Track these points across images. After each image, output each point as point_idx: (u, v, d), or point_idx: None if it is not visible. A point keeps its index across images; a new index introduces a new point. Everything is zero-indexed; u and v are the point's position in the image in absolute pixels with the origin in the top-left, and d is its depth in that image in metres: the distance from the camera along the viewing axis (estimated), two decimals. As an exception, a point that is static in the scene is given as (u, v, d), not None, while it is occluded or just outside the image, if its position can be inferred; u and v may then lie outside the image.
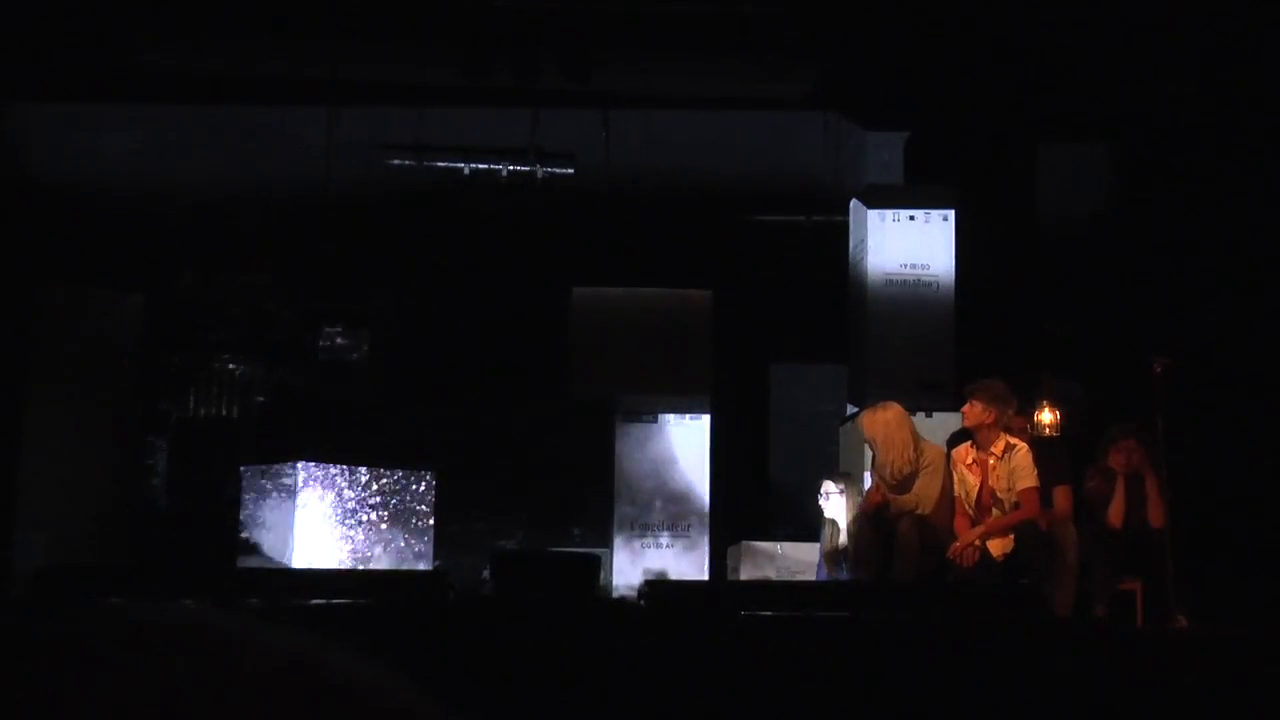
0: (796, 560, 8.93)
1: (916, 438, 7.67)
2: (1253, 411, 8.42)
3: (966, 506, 7.48)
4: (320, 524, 8.36)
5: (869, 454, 8.31)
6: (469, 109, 11.32)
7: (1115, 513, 7.71)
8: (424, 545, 8.60)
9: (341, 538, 8.39)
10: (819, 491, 8.31)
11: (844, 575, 7.91)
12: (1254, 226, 8.67)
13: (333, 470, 8.49)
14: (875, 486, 7.72)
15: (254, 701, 0.83)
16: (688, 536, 8.53)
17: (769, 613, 6.61)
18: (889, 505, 7.56)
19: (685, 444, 8.58)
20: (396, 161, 11.09)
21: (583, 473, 10.36)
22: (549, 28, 10.28)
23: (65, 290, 8.30)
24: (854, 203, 9.79)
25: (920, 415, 8.14)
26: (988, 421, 7.45)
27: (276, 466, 8.53)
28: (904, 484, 7.57)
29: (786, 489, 10.88)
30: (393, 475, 8.73)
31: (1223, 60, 8.79)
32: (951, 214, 9.34)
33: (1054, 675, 4.97)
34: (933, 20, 9.88)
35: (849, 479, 8.25)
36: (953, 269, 9.28)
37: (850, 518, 7.95)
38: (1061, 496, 7.61)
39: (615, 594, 8.07)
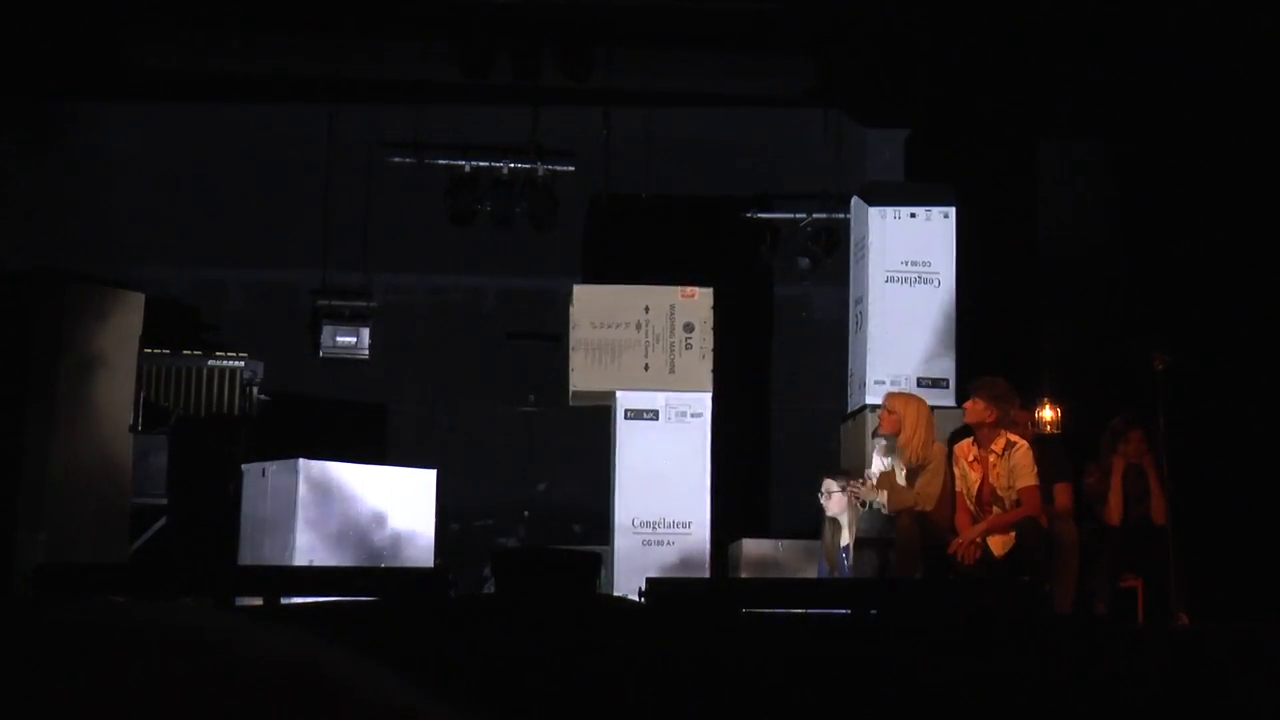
0: (797, 557, 8.93)
1: (934, 436, 7.73)
2: (1254, 408, 8.42)
3: (968, 502, 7.48)
4: (320, 522, 8.35)
5: (873, 441, 8.31)
6: (470, 106, 11.32)
7: (1113, 508, 7.70)
8: (424, 543, 8.59)
9: (341, 536, 8.38)
10: (820, 490, 8.30)
11: (845, 573, 7.91)
12: (1254, 221, 8.67)
13: (333, 468, 8.48)
14: (879, 478, 7.72)
15: (253, 701, 0.82)
16: (688, 534, 8.53)
17: (770, 610, 6.61)
18: (889, 502, 7.56)
19: (686, 441, 8.57)
20: (397, 159, 11.09)
21: (583, 470, 10.36)
22: (550, 25, 10.28)
23: (66, 288, 8.29)
24: (855, 200, 9.79)
25: (921, 412, 8.13)
26: (989, 420, 7.46)
27: (277, 465, 8.53)
28: (912, 474, 7.58)
29: (787, 486, 10.88)
30: (393, 473, 8.72)
31: (1223, 57, 8.78)
32: (952, 211, 9.34)
33: (1055, 673, 4.97)
34: (933, 17, 9.88)
35: (850, 477, 8.24)
36: (953, 266, 9.28)
37: (851, 515, 7.95)
38: (1062, 494, 7.62)
39: (616, 592, 8.07)
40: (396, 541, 8.52)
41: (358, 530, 8.43)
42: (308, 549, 8.25)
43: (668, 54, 10.97)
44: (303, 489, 8.31)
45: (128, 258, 10.47)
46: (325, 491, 8.40)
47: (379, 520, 8.51)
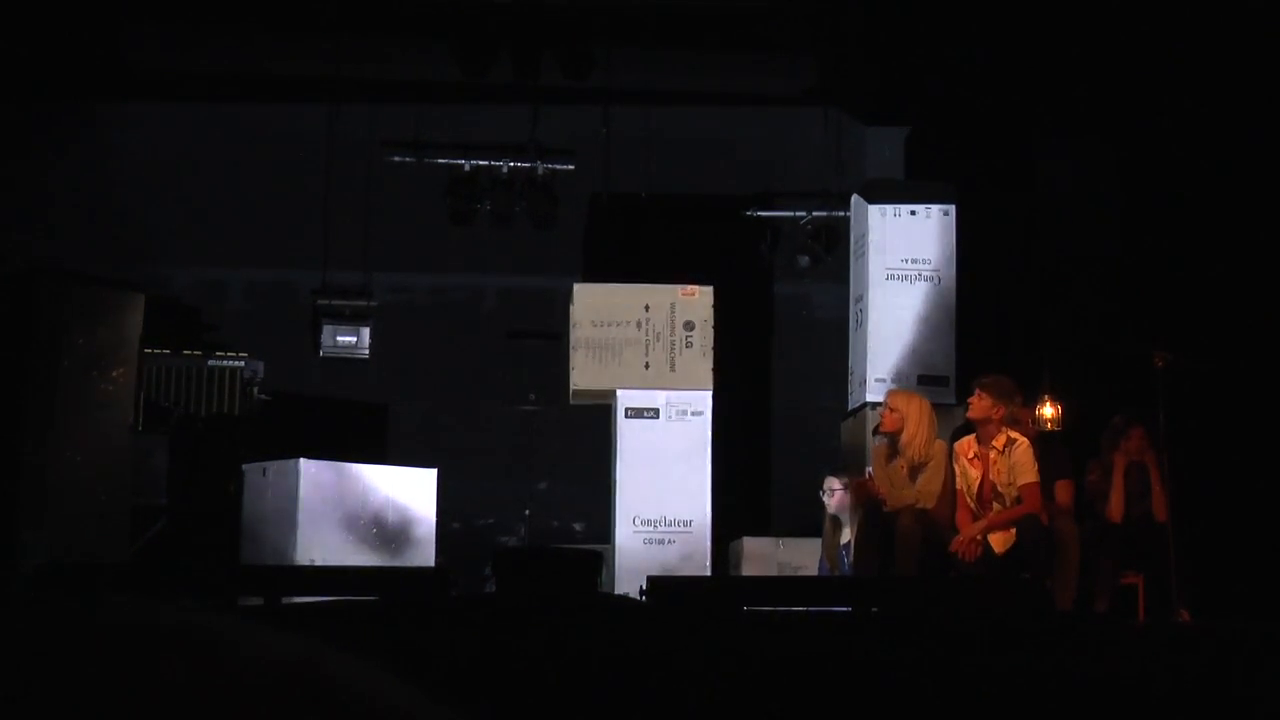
0: (798, 555, 8.93)
1: (935, 434, 7.73)
2: (1255, 405, 8.41)
3: (968, 499, 7.49)
4: (321, 522, 8.35)
5: (874, 439, 8.32)
6: (470, 105, 11.33)
7: (1115, 506, 7.70)
8: (425, 542, 8.59)
9: (342, 535, 8.39)
10: (822, 488, 8.31)
11: (846, 571, 7.91)
12: (1255, 219, 8.67)
13: (334, 468, 8.48)
14: (877, 479, 7.73)
15: (253, 702, 0.82)
16: (689, 532, 8.53)
17: (771, 608, 6.61)
18: (889, 499, 7.57)
19: (686, 440, 8.57)
20: (397, 158, 11.09)
21: (584, 469, 10.36)
22: (549, 24, 10.28)
23: (66, 288, 8.29)
24: (855, 198, 9.79)
25: (922, 410, 8.14)
26: (995, 417, 7.46)
27: (278, 464, 8.53)
28: (913, 472, 7.59)
29: (788, 485, 10.88)
30: (394, 472, 8.72)
31: (1223, 54, 8.78)
32: (952, 209, 9.34)
33: (1056, 671, 4.97)
34: (933, 15, 9.88)
35: (852, 475, 8.26)
36: (953, 263, 9.29)
37: (852, 513, 7.96)
38: (1063, 491, 7.62)
39: (617, 590, 8.07)
40: (397, 541, 8.52)
41: (358, 530, 8.44)
42: (308, 548, 8.25)
43: (668, 53, 10.97)
44: (303, 488, 8.31)
45: (128, 258, 10.47)
46: (326, 491, 8.40)
47: (380, 519, 8.52)
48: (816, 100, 11.25)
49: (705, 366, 8.65)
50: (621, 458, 8.60)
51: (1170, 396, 7.42)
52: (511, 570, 7.76)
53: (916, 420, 7.65)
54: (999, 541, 7.34)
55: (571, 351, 8.73)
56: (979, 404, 7.52)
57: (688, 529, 8.51)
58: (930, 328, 9.22)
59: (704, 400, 8.61)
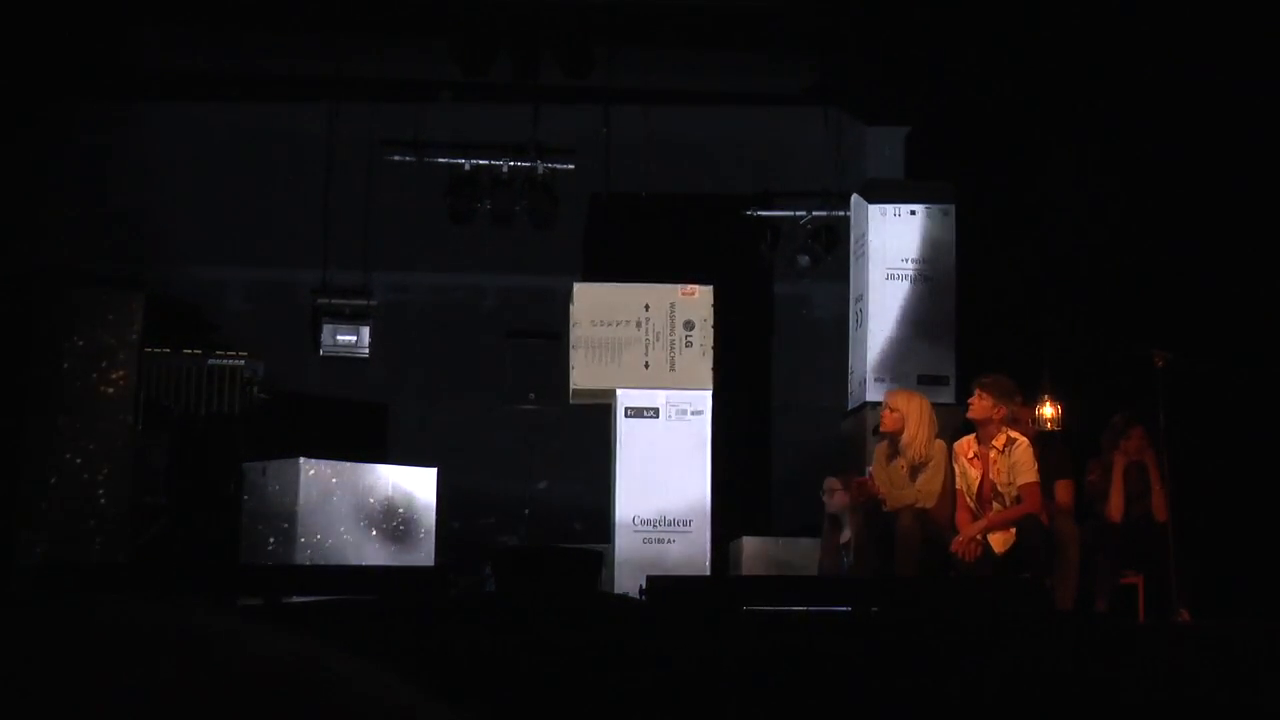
0: (798, 555, 8.93)
1: (935, 434, 7.73)
2: (1255, 405, 8.41)
3: (968, 499, 7.49)
4: (321, 521, 8.35)
5: (874, 439, 8.32)
6: (470, 104, 11.33)
7: (1114, 506, 7.70)
8: (425, 542, 8.59)
9: (342, 535, 8.38)
10: (822, 488, 8.31)
11: (846, 571, 7.91)
12: (1255, 218, 8.66)
13: (334, 467, 8.48)
14: (877, 479, 7.73)
15: (253, 701, 0.82)
16: (689, 532, 8.53)
17: (771, 608, 6.62)
18: (889, 499, 7.57)
19: (686, 439, 8.57)
20: (397, 158, 11.09)
21: (584, 469, 10.36)
22: (549, 23, 10.28)
23: (67, 288, 8.30)
24: (855, 197, 9.79)
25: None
26: (996, 416, 7.46)
27: (278, 463, 8.53)
28: (913, 472, 7.59)
29: (787, 484, 10.88)
30: (394, 471, 8.72)
31: (1224, 54, 8.78)
32: (952, 208, 9.35)
33: (1056, 670, 4.97)
34: (933, 14, 9.88)
35: (852, 475, 8.25)
36: (953, 263, 9.29)
37: (852, 513, 7.96)
38: (1063, 490, 7.62)
39: (617, 590, 8.07)
40: (397, 540, 8.52)
41: (358, 529, 8.43)
42: (308, 548, 8.25)
43: (668, 52, 10.97)
44: (303, 487, 8.31)
45: (128, 258, 10.46)
46: (326, 490, 8.40)
47: (379, 519, 8.51)
48: (816, 100, 11.25)
49: (705, 366, 8.65)
50: (621, 457, 8.60)
51: (1170, 396, 7.41)
52: (511, 570, 7.76)
53: (916, 420, 7.65)
54: (999, 541, 7.34)
55: (571, 351, 8.72)
56: (979, 404, 7.52)
57: (687, 529, 8.51)
58: (930, 328, 9.22)
59: (704, 400, 8.61)
